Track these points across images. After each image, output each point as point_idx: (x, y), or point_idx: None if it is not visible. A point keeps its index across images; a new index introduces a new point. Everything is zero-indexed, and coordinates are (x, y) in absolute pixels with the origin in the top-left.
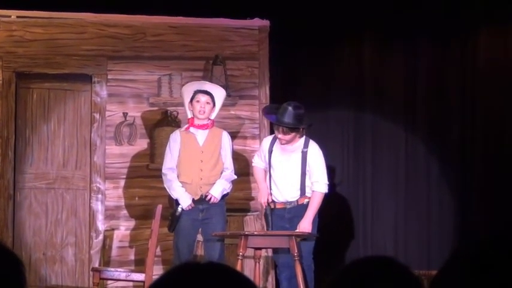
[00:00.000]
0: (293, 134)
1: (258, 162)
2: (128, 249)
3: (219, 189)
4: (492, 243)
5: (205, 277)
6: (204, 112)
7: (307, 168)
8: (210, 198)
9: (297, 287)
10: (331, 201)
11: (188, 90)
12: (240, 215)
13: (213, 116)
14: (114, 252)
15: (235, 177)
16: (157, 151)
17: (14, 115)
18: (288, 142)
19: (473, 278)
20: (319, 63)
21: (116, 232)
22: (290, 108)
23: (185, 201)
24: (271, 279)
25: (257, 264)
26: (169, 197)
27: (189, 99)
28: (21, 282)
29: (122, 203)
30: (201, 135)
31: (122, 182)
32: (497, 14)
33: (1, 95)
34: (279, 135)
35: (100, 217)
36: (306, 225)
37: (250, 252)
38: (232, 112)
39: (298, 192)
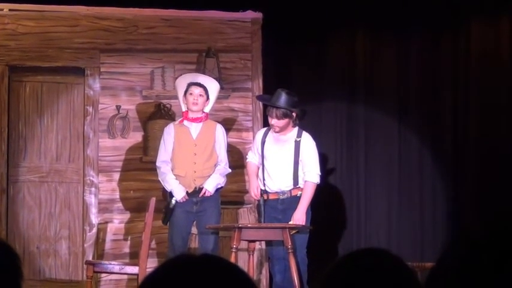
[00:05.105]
0: (286, 120)
1: (252, 158)
2: (122, 242)
3: (213, 184)
4: (487, 235)
5: (200, 269)
6: (197, 104)
7: (300, 158)
8: (205, 193)
9: (291, 280)
10: (324, 193)
11: (181, 83)
12: (234, 208)
13: (207, 109)
14: (107, 245)
15: (230, 170)
16: (150, 144)
17: (6, 108)
18: (281, 130)
19: (468, 271)
20: (312, 55)
21: (109, 225)
22: (284, 93)
23: (179, 194)
24: (264, 271)
25: (251, 256)
26: (163, 190)
27: (183, 93)
28: (17, 276)
29: (115, 196)
30: (194, 128)
31: (115, 175)
32: (488, 3)
33: None
34: (272, 121)
35: (93, 210)
36: (299, 216)
37: (244, 244)
38: (226, 104)
39: (291, 182)
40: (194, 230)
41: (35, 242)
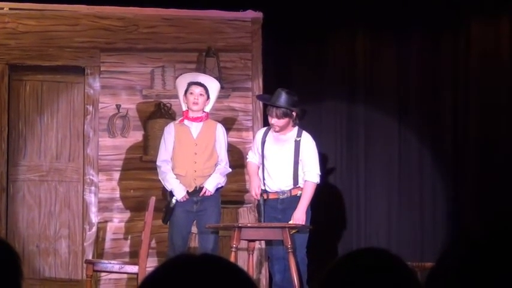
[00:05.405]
0: (286, 119)
1: (252, 157)
2: (122, 241)
3: (213, 183)
4: (487, 235)
5: (200, 269)
6: (198, 103)
7: (300, 157)
8: (205, 192)
9: (291, 280)
10: (324, 193)
11: (182, 82)
12: (234, 207)
13: (208, 109)
14: (107, 244)
15: (230, 170)
16: (150, 143)
17: (6, 107)
18: (281, 129)
19: (468, 271)
20: (312, 55)
21: (109, 224)
22: (284, 92)
23: (179, 193)
24: (264, 271)
25: (250, 256)
26: (163, 189)
27: (183, 92)
28: (17, 275)
29: (115, 195)
30: (195, 128)
31: (115, 174)
32: (488, 3)
33: None
34: (272, 121)
35: (93, 209)
36: (299, 215)
37: (243, 244)
38: (226, 104)
39: (291, 181)
40: (194, 229)
41: (34, 241)
